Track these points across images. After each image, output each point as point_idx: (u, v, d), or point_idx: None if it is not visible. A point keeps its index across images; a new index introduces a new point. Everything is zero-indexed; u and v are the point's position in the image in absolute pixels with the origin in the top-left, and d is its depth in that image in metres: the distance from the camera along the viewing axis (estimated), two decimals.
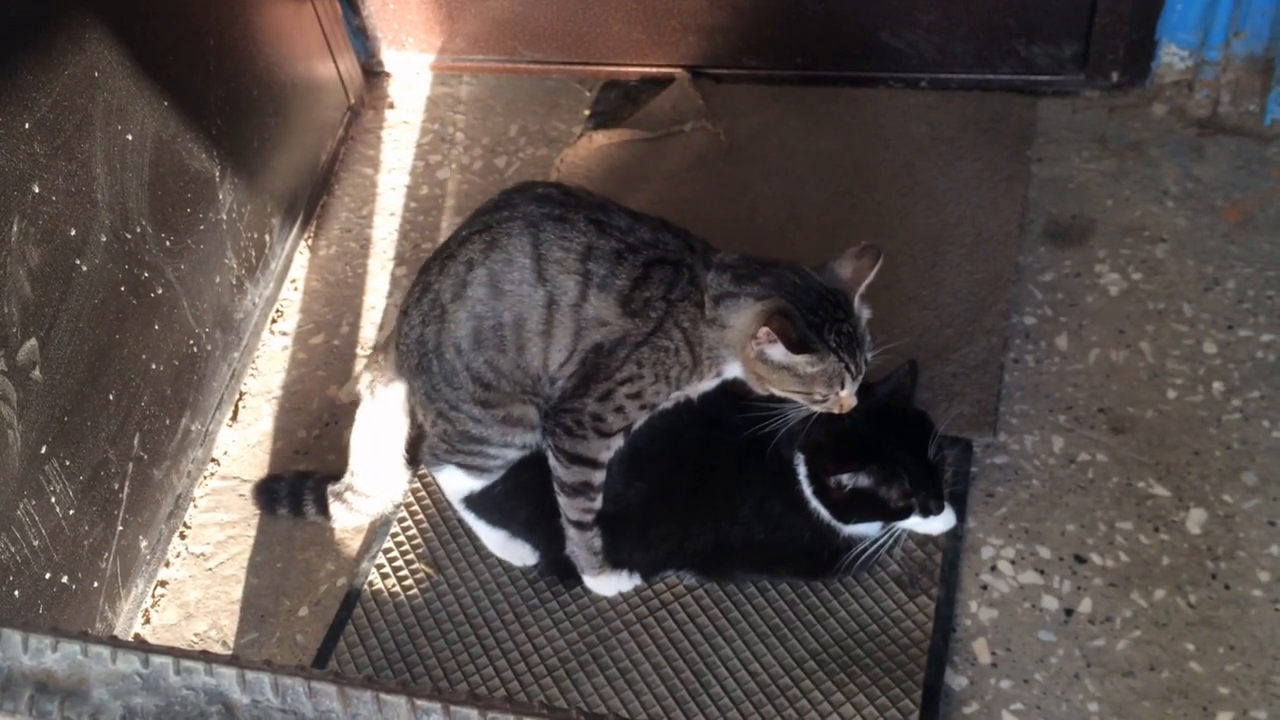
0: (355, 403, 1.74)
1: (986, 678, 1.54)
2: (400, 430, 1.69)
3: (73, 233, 1.58)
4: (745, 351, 1.40)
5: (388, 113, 2.54)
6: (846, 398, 1.42)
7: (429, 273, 1.49)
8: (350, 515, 1.78)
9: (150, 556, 1.79)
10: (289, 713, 0.78)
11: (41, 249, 1.52)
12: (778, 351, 1.36)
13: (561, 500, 1.54)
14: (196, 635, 1.74)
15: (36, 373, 1.52)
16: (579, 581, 1.65)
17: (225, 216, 1.98)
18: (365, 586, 1.73)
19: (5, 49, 1.47)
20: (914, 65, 2.33)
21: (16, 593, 1.49)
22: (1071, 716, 1.49)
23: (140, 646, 0.81)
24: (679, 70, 2.45)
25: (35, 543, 1.52)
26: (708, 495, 1.57)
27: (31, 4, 1.53)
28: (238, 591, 1.78)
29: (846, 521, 1.53)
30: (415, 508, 1.82)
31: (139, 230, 1.73)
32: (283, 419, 2.00)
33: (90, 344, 1.63)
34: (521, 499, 1.63)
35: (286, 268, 2.22)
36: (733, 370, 1.46)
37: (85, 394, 1.62)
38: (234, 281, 2.02)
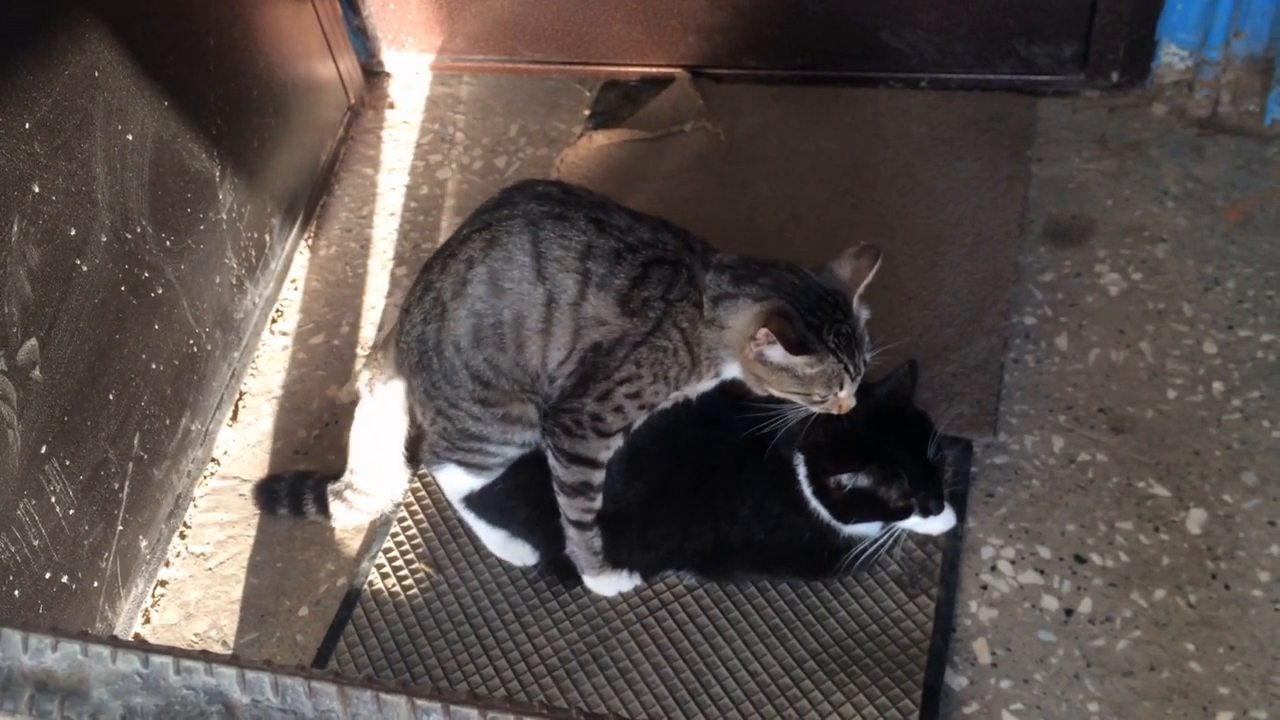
0: (355, 402, 1.74)
1: (986, 678, 1.54)
2: (399, 428, 1.69)
3: (73, 232, 1.58)
4: (744, 352, 1.40)
5: (388, 113, 2.54)
6: (845, 398, 1.42)
7: (431, 271, 1.50)
8: (350, 514, 1.78)
9: (150, 556, 1.79)
10: (289, 712, 0.78)
11: (42, 249, 1.52)
12: (776, 352, 1.36)
13: (561, 500, 1.55)
14: (196, 635, 1.74)
15: (36, 372, 1.52)
16: (579, 581, 1.65)
17: (225, 216, 1.99)
18: (365, 586, 1.73)
19: (5, 49, 1.47)
20: (914, 65, 2.33)
21: (16, 592, 1.49)
22: (1071, 716, 1.49)
23: (140, 646, 0.81)
24: (679, 70, 2.45)
25: (35, 542, 1.52)
26: (708, 495, 1.57)
27: (31, 4, 1.53)
28: (238, 591, 1.78)
29: (846, 521, 1.53)
30: (415, 508, 1.82)
31: (139, 230, 1.73)
32: (283, 419, 2.00)
33: (90, 344, 1.63)
34: (521, 498, 1.63)
35: (286, 267, 2.22)
36: (731, 371, 1.46)
37: (85, 394, 1.62)
38: (234, 281, 2.02)
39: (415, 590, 1.72)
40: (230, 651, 1.71)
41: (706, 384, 1.49)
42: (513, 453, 1.56)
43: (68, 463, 1.58)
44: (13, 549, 1.48)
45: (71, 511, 1.59)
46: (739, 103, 2.38)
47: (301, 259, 2.26)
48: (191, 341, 1.89)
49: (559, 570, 1.67)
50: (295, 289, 2.22)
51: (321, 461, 1.91)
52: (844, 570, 1.58)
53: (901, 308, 1.93)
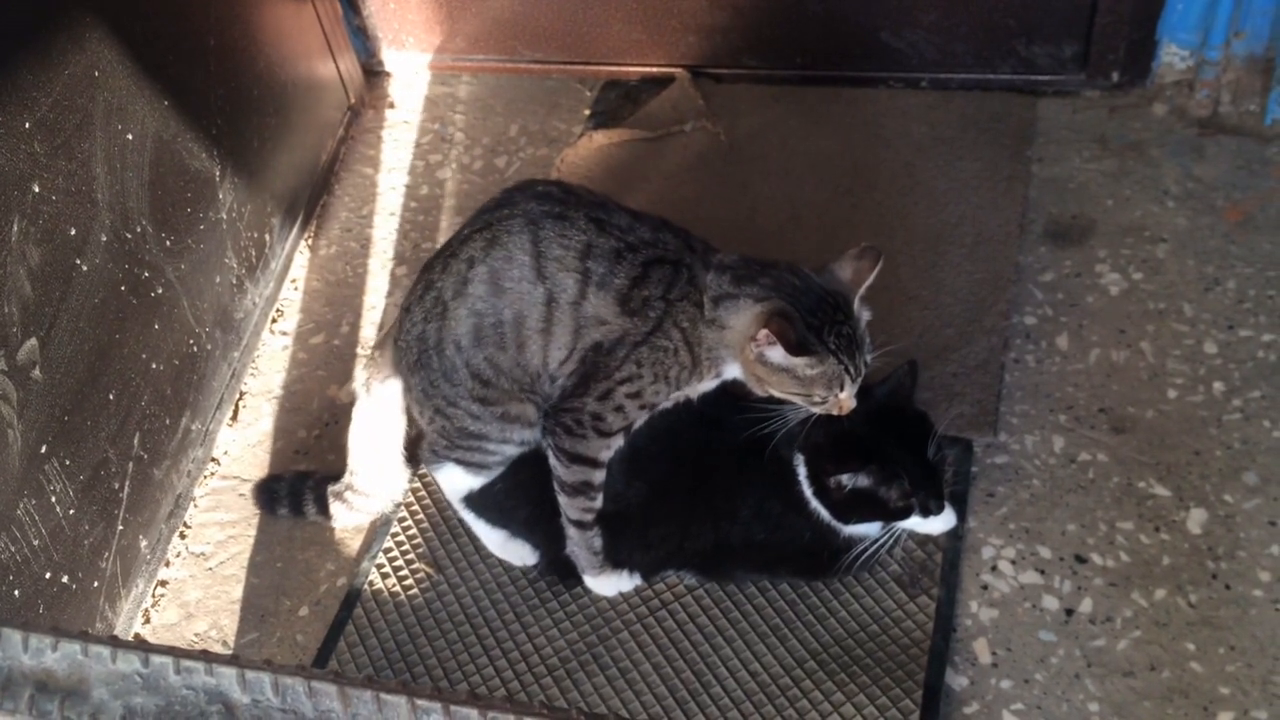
0: (354, 402, 1.74)
1: (987, 678, 1.54)
2: (398, 427, 1.69)
3: (73, 232, 1.58)
4: (744, 353, 1.40)
5: (388, 112, 2.54)
6: (846, 399, 1.42)
7: (432, 270, 1.50)
8: (350, 514, 1.78)
9: (150, 556, 1.79)
10: (289, 712, 0.78)
11: (42, 248, 1.52)
12: (777, 353, 1.36)
13: (562, 500, 1.54)
14: (196, 635, 1.74)
15: (36, 372, 1.52)
16: (579, 581, 1.65)
17: (225, 216, 1.98)
18: (365, 586, 1.73)
19: (5, 49, 1.47)
20: (914, 65, 2.33)
21: (16, 592, 1.49)
22: (1072, 716, 1.48)
23: (140, 646, 0.81)
24: (679, 70, 2.45)
25: (35, 542, 1.52)
26: (708, 495, 1.57)
27: (31, 4, 1.53)
28: (238, 591, 1.78)
29: (846, 522, 1.53)
30: (415, 508, 1.82)
31: (139, 230, 1.73)
32: (283, 419, 2.00)
33: (90, 343, 1.63)
34: (521, 498, 1.63)
35: (287, 267, 2.22)
36: (732, 371, 1.46)
37: (85, 393, 1.62)
38: (234, 281, 2.02)
39: (415, 590, 1.72)
40: (230, 651, 1.71)
41: (707, 384, 1.49)
42: (511, 451, 1.56)
43: (68, 462, 1.58)
44: (13, 549, 1.48)
45: (71, 511, 1.59)
46: (739, 103, 2.38)
47: (301, 259, 2.26)
48: (191, 341, 1.89)
49: (559, 570, 1.67)
50: (295, 289, 2.22)
51: (321, 461, 1.91)
52: (844, 570, 1.58)
53: (902, 308, 1.93)
